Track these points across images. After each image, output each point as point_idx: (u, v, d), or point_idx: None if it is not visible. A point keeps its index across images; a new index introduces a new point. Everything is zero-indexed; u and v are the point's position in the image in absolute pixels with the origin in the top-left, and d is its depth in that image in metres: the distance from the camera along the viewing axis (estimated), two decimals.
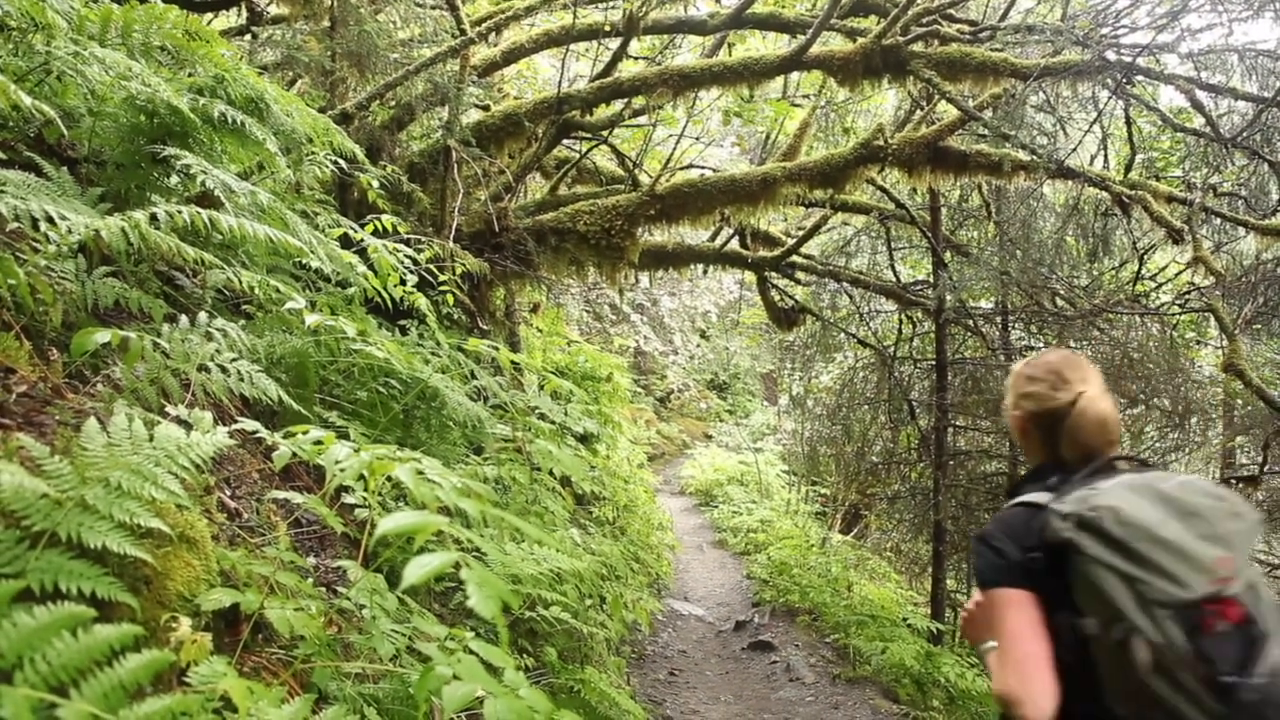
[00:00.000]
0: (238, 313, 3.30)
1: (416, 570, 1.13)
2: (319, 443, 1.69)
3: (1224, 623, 1.44)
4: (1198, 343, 8.74)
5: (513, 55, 6.55)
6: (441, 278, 4.38)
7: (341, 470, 1.57)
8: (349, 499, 2.55)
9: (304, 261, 3.11)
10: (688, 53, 8.45)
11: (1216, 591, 1.44)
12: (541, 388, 5.60)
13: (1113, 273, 7.53)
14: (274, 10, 6.59)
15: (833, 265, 8.31)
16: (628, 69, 6.77)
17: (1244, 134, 4.97)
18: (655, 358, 21.35)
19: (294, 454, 1.76)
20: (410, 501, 2.12)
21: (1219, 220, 5.85)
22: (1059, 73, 5.10)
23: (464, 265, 5.11)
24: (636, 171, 6.96)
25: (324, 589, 2.37)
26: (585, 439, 7.63)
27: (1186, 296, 6.84)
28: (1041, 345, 8.22)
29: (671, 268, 7.88)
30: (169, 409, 1.90)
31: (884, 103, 8.95)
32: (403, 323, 4.09)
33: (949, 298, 7.20)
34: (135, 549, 1.36)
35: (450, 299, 4.41)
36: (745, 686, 6.61)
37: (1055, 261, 7.06)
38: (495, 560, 2.50)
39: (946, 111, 6.33)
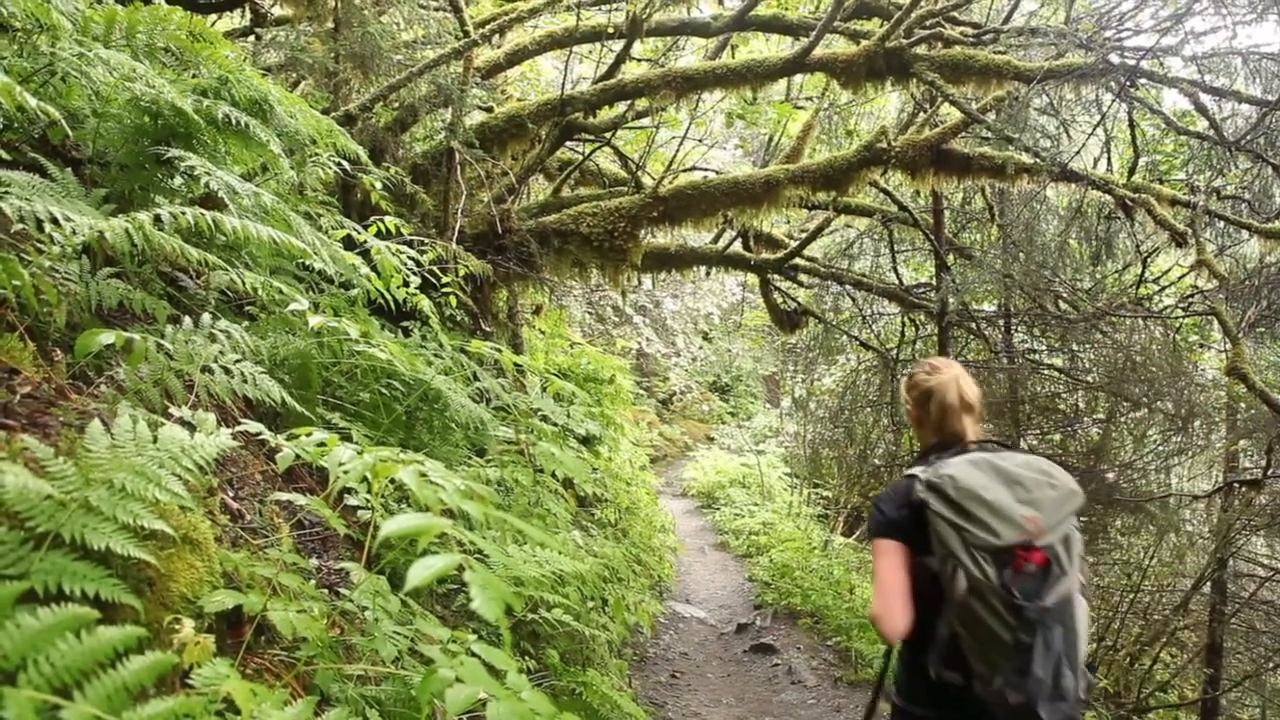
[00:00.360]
0: (241, 314, 3.30)
1: (420, 572, 1.13)
2: (322, 445, 1.69)
3: (1030, 565, 1.95)
4: (1201, 346, 8.71)
5: (516, 57, 6.55)
6: (444, 279, 4.38)
7: (345, 473, 1.57)
8: (351, 501, 2.55)
9: (307, 263, 3.11)
10: (691, 55, 8.45)
11: (1025, 541, 1.95)
12: (544, 389, 5.60)
13: (1116, 276, 7.52)
14: (278, 12, 6.60)
15: (835, 268, 8.31)
16: (631, 71, 6.78)
17: (1248, 137, 4.97)
18: (658, 360, 21.34)
19: (297, 456, 1.76)
20: (413, 503, 2.12)
21: (1222, 223, 5.83)
22: (1062, 75, 5.10)
23: (467, 267, 5.11)
24: (639, 173, 6.96)
25: (326, 591, 2.38)
26: (588, 441, 7.63)
27: (1190, 300, 6.82)
28: (1044, 348, 8.21)
29: (674, 269, 7.88)
30: (172, 410, 1.91)
31: (887, 105, 8.95)
32: (406, 324, 4.09)
33: (952, 300, 7.19)
34: (139, 550, 1.36)
35: (453, 301, 4.41)
36: (747, 689, 6.60)
37: (1058, 264, 7.05)
38: (498, 562, 2.50)
39: (950, 114, 6.33)
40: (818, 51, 5.78)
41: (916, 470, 2.19)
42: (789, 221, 9.53)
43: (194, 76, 3.15)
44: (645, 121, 7.36)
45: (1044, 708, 1.91)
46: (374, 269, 3.44)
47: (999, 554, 1.97)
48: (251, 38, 6.63)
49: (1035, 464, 2.11)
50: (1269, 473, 6.47)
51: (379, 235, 3.81)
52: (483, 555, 2.21)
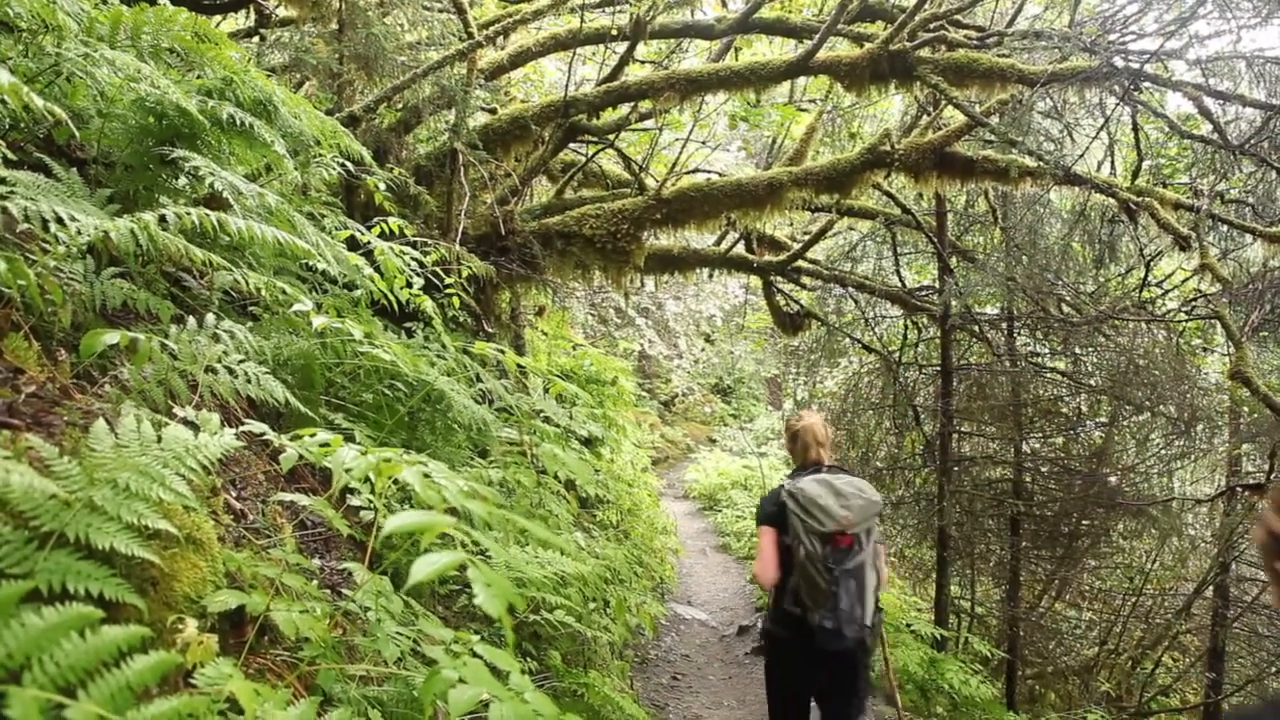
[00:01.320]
0: (245, 314, 3.31)
1: (423, 568, 1.12)
2: (325, 445, 1.69)
3: (842, 544, 3.17)
4: (1204, 349, 8.70)
5: (520, 59, 6.56)
6: (447, 280, 4.39)
7: (348, 471, 1.57)
8: (354, 501, 2.55)
9: (311, 263, 3.11)
10: (694, 57, 8.45)
11: (840, 529, 3.16)
12: (547, 391, 5.61)
13: (1119, 279, 7.51)
14: (282, 13, 6.61)
15: (838, 270, 8.31)
16: (634, 73, 6.79)
17: (1252, 141, 4.97)
18: (660, 361, 21.35)
19: (300, 456, 1.76)
20: (416, 504, 2.12)
21: (1226, 227, 5.83)
22: (1066, 79, 5.09)
23: (470, 268, 5.12)
24: (643, 175, 6.96)
25: (329, 591, 2.38)
26: (590, 442, 7.64)
27: (1193, 303, 6.82)
28: (1047, 351, 8.20)
29: (677, 272, 7.88)
30: (176, 410, 1.91)
31: (890, 108, 8.95)
32: (409, 325, 4.10)
33: (954, 303, 7.19)
34: (143, 550, 1.37)
35: (456, 302, 4.42)
36: (749, 691, 6.59)
37: (1061, 267, 7.05)
38: (501, 562, 2.50)
39: (953, 117, 6.33)
40: (821, 54, 5.78)
41: (785, 482, 3.43)
42: (792, 224, 9.52)
43: (199, 77, 3.15)
44: (649, 123, 7.36)
45: (845, 628, 3.12)
46: (377, 270, 3.44)
47: (824, 537, 3.20)
48: (256, 39, 6.64)
49: (855, 483, 3.33)
50: (1272, 476, 6.46)
51: (382, 236, 3.81)
52: (486, 554, 2.21)
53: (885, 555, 3.61)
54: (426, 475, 1.54)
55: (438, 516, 1.23)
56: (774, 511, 3.34)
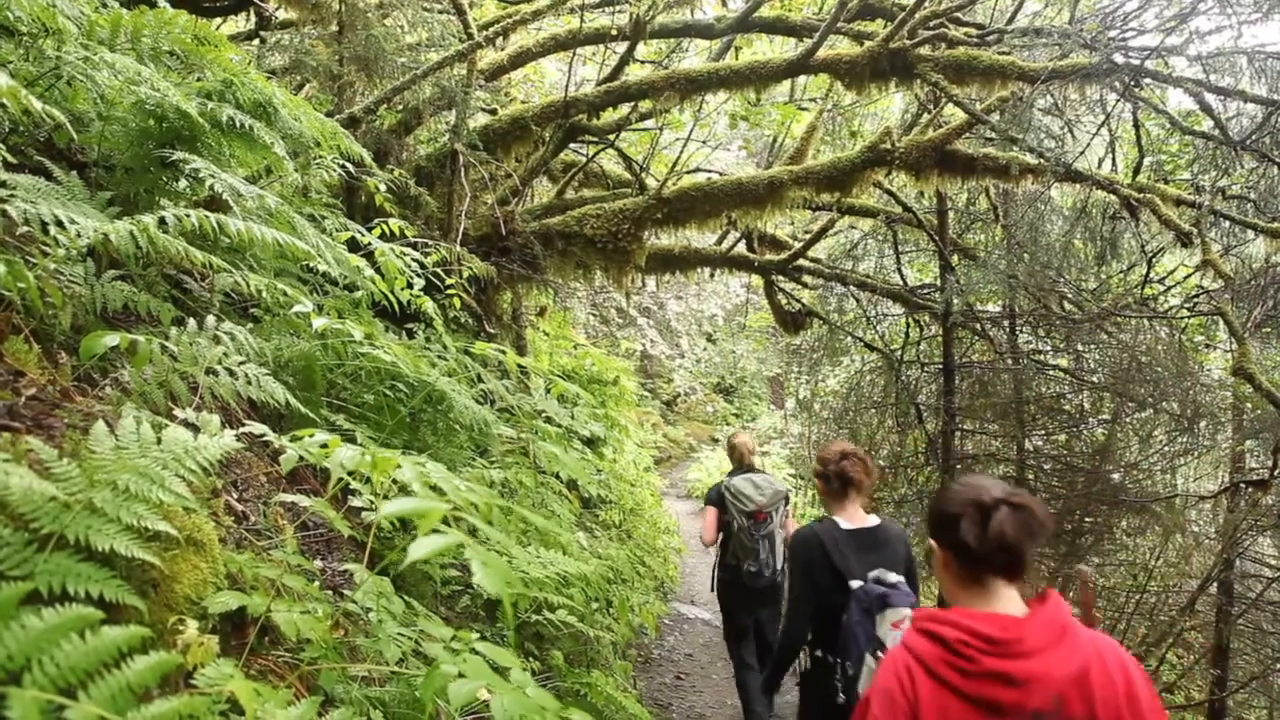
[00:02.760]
0: (245, 316, 3.31)
1: (421, 548, 1.12)
2: (325, 446, 1.69)
3: (760, 518, 4.93)
4: (1207, 346, 8.68)
5: (520, 59, 6.56)
6: (448, 281, 4.39)
7: (345, 468, 1.57)
8: (356, 502, 2.56)
9: (312, 265, 3.11)
10: (694, 56, 8.45)
11: (758, 509, 4.92)
12: (548, 391, 5.61)
13: (1121, 276, 7.49)
14: (282, 15, 6.62)
15: (839, 269, 8.30)
16: (634, 73, 6.78)
17: (1253, 137, 4.95)
18: (662, 361, 21.34)
19: (301, 457, 1.76)
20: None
21: (1228, 223, 5.81)
22: (1067, 76, 5.09)
23: (471, 269, 5.12)
24: (643, 175, 6.96)
25: (330, 592, 2.38)
26: (592, 442, 7.64)
27: (1195, 300, 6.80)
28: (1049, 349, 8.18)
29: (678, 271, 7.88)
30: (177, 412, 1.91)
31: (891, 106, 8.94)
32: (410, 326, 4.10)
33: (956, 301, 7.18)
34: (143, 552, 1.37)
35: (457, 302, 4.43)
36: None
37: (1063, 265, 7.03)
38: (499, 544, 2.50)
39: (954, 115, 6.32)
40: (822, 52, 5.78)
41: (724, 479, 5.19)
42: (793, 223, 9.52)
43: (199, 80, 3.16)
44: (649, 123, 7.37)
45: (764, 571, 4.89)
46: (378, 271, 3.44)
47: (749, 514, 4.93)
48: (256, 41, 6.65)
49: (768, 479, 5.09)
50: (1275, 473, 6.44)
51: (383, 237, 3.81)
52: (486, 541, 2.21)
53: (792, 520, 5.19)
54: (424, 474, 1.54)
55: (436, 503, 1.23)
56: (716, 497, 5.16)
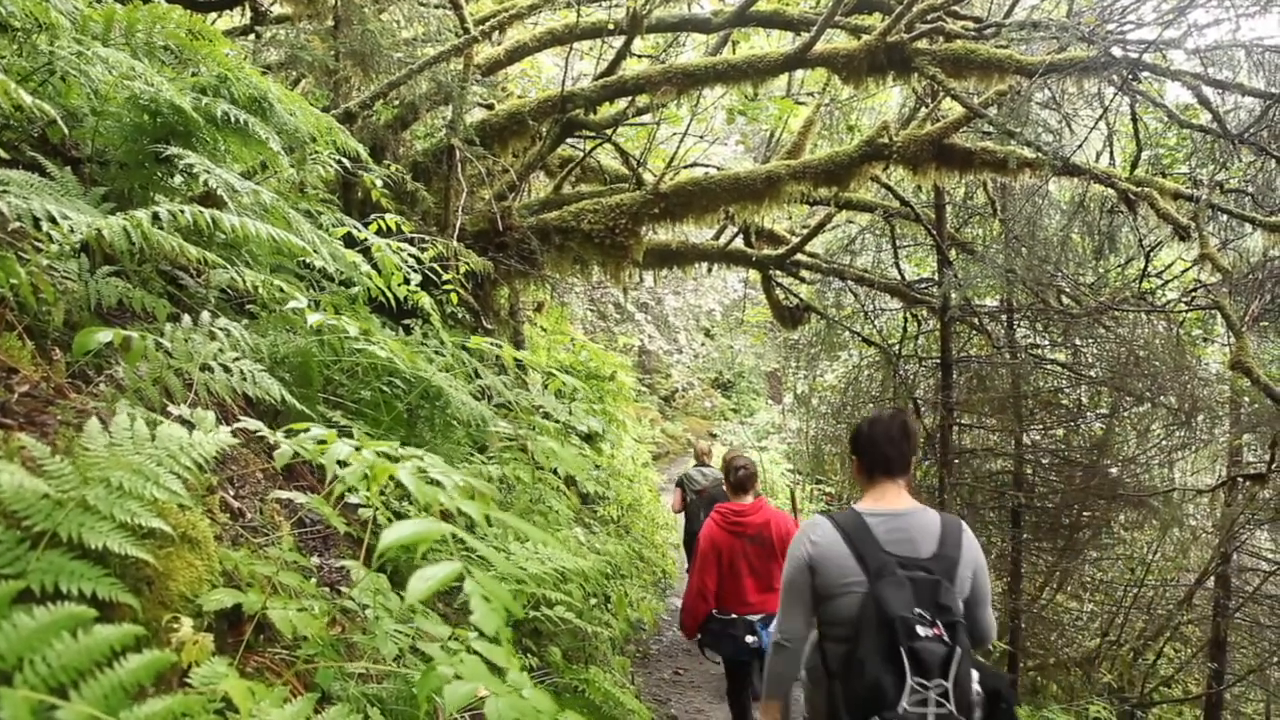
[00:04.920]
0: (241, 312, 3.30)
1: (420, 585, 1.12)
2: (321, 442, 1.68)
3: (703, 495, 7.19)
4: (1204, 340, 8.68)
5: (516, 54, 6.54)
6: (445, 277, 4.38)
7: (342, 468, 1.56)
8: (352, 499, 2.55)
9: (308, 261, 3.10)
10: (691, 51, 8.43)
11: (704, 489, 7.33)
12: (546, 386, 5.60)
13: (1119, 270, 7.50)
14: (277, 10, 6.59)
15: (837, 263, 8.29)
16: (631, 67, 6.76)
17: (1251, 130, 4.94)
18: (659, 356, 21.33)
19: (296, 453, 1.75)
20: (413, 502, 2.11)
21: (1226, 217, 5.80)
22: (1064, 69, 5.07)
23: (468, 264, 5.11)
24: (641, 170, 6.95)
25: (327, 589, 2.37)
26: (590, 438, 7.63)
27: (1193, 294, 6.80)
28: (1047, 343, 8.18)
29: (676, 266, 7.87)
30: (171, 408, 1.90)
31: (888, 100, 8.93)
32: (407, 322, 4.08)
33: (954, 296, 7.17)
34: (137, 549, 1.36)
35: (454, 298, 4.41)
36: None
37: (1061, 259, 7.02)
38: (498, 564, 2.49)
39: (951, 109, 6.30)
40: (819, 46, 5.76)
41: (688, 470, 7.91)
42: (790, 218, 9.51)
43: (193, 75, 3.14)
44: (646, 118, 7.35)
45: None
46: (375, 267, 3.43)
47: (699, 491, 7.42)
48: (251, 36, 6.62)
49: (713, 471, 7.56)
50: (1273, 467, 6.45)
51: (379, 233, 3.80)
52: (484, 559, 2.20)
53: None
54: (422, 472, 1.53)
55: (433, 525, 1.23)
56: (680, 482, 7.85)
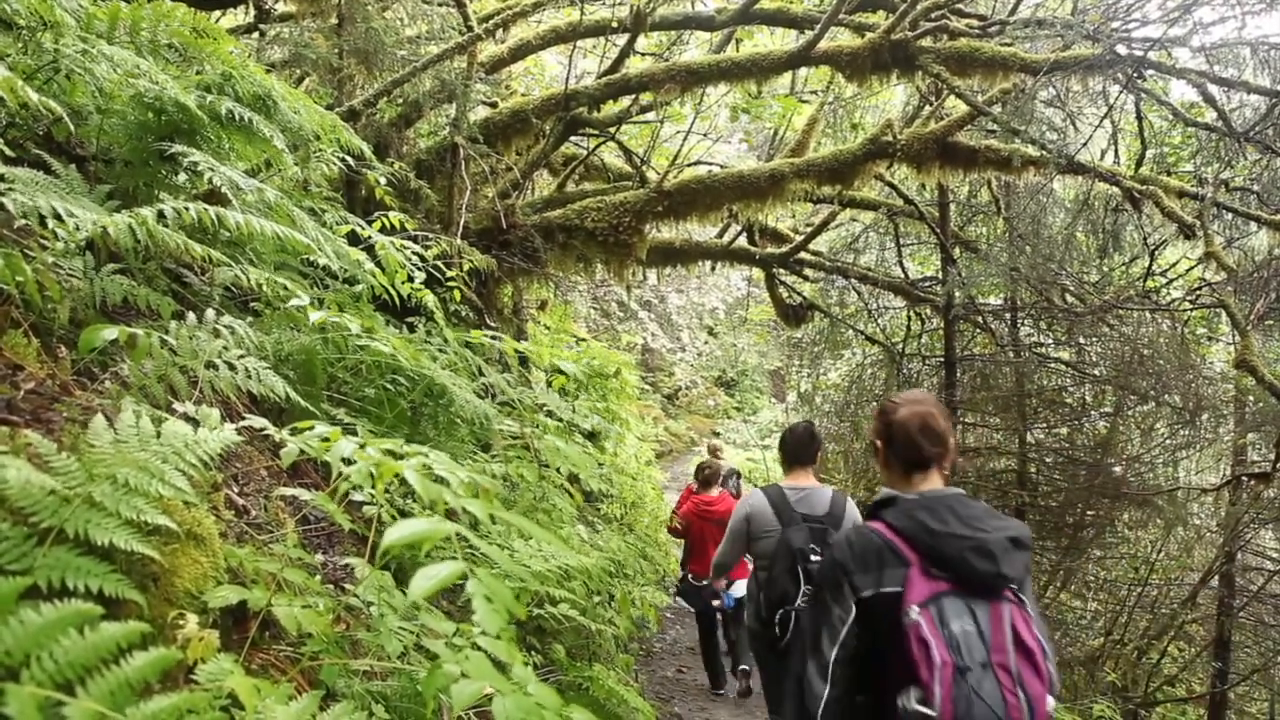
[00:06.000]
0: (245, 310, 3.30)
1: (423, 583, 1.13)
2: (326, 439, 1.68)
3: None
4: (1209, 339, 8.66)
5: (520, 52, 6.53)
6: (449, 275, 4.38)
7: (347, 466, 1.56)
8: (357, 496, 2.55)
9: (312, 259, 3.10)
10: (695, 49, 8.43)
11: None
12: (549, 384, 5.60)
13: (1123, 268, 7.48)
14: (281, 8, 6.59)
15: (841, 262, 8.28)
16: (635, 65, 6.75)
17: (1257, 128, 4.93)
18: (663, 355, 21.31)
19: (301, 450, 1.75)
20: (417, 500, 2.11)
21: (1231, 215, 5.80)
22: (1069, 67, 5.06)
23: (472, 262, 5.11)
24: (644, 168, 6.95)
25: (332, 586, 2.37)
26: (593, 436, 7.63)
27: (1198, 292, 6.78)
28: (1051, 341, 8.17)
29: (679, 264, 7.87)
30: (176, 406, 1.90)
31: (892, 98, 8.92)
32: (410, 320, 4.08)
33: (958, 294, 7.16)
34: (142, 546, 1.36)
35: (458, 296, 4.41)
36: (753, 683, 6.59)
37: (1065, 257, 7.01)
38: (502, 562, 2.50)
39: (955, 107, 6.30)
40: (823, 44, 5.75)
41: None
42: (794, 216, 9.49)
43: (198, 73, 3.14)
44: (650, 116, 7.35)
45: None
46: (379, 264, 3.43)
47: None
48: (255, 34, 6.62)
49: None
50: (1278, 466, 6.43)
51: (383, 231, 3.80)
52: (487, 557, 2.20)
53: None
54: (427, 468, 1.53)
55: (437, 525, 1.23)
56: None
